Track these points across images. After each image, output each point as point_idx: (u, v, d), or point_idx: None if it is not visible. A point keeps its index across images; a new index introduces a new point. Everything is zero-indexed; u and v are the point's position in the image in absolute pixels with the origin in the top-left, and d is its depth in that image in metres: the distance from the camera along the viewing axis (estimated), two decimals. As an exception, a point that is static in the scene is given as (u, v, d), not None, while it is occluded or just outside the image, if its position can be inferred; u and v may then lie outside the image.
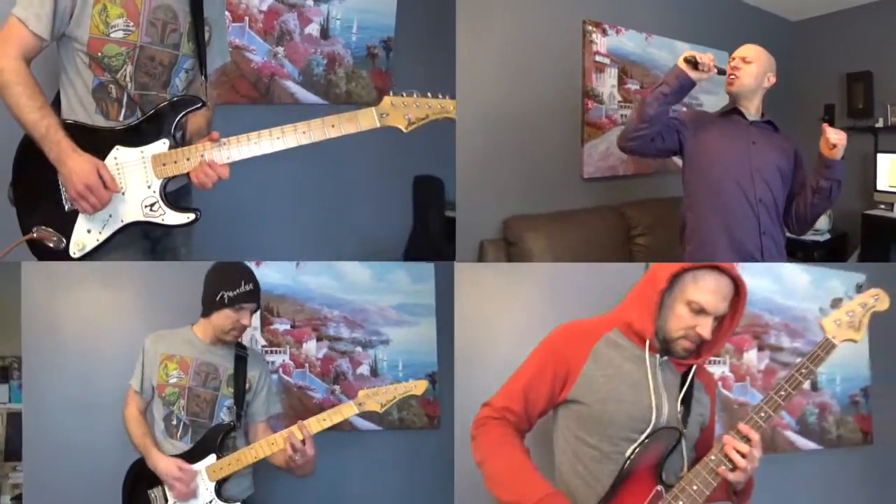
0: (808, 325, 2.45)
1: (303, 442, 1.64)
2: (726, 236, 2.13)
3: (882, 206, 3.89)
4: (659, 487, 1.25)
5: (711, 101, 3.36)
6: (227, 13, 2.57)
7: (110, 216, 1.57)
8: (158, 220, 1.59)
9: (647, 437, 1.26)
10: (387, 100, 1.61)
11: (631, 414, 1.28)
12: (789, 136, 2.26)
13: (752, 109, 2.21)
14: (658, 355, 1.33)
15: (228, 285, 1.76)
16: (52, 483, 2.18)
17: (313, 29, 2.81)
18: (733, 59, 2.20)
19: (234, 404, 1.81)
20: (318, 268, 2.50)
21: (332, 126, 1.58)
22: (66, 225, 1.56)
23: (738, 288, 1.31)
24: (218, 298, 1.76)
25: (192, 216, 1.61)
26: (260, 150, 1.58)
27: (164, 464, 1.74)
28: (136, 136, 1.57)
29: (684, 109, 3.43)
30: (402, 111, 1.61)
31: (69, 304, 2.26)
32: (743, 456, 1.18)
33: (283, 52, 2.77)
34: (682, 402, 1.33)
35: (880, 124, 3.99)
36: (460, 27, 2.67)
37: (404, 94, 1.62)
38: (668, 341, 1.32)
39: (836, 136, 1.97)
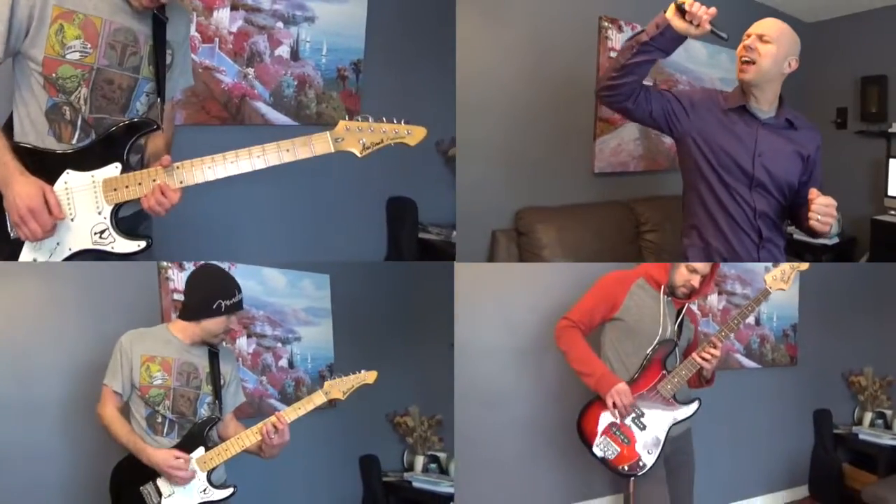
0: (754, 276, 3.15)
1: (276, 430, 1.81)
2: (724, 246, 2.02)
3: (892, 212, 3.86)
4: (663, 372, 2.04)
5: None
6: (197, 34, 2.58)
7: (58, 244, 1.52)
8: (108, 248, 1.54)
9: (657, 343, 2.03)
10: (342, 124, 1.60)
11: (650, 330, 2.03)
12: (808, 135, 2.01)
13: (765, 103, 1.93)
14: (666, 296, 2.06)
15: (225, 294, 1.82)
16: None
17: (283, 51, 2.83)
18: (748, 36, 1.88)
19: (213, 400, 1.87)
20: (248, 272, 2.69)
21: (287, 150, 1.56)
22: (11, 254, 1.51)
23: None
24: (215, 306, 1.80)
25: (142, 244, 1.57)
26: (214, 175, 1.55)
27: (160, 456, 1.75)
28: (87, 160, 1.53)
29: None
30: (357, 136, 1.60)
31: (2, 303, 2.12)
32: (710, 357, 2.00)
33: (254, 73, 2.76)
34: (678, 326, 2.09)
35: (894, 129, 3.97)
36: (474, 19, 2.69)
37: (359, 119, 1.60)
38: (673, 287, 2.06)
39: (818, 224, 1.76)
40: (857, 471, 3.21)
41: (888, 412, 3.36)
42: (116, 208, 1.54)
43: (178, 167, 1.54)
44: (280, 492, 2.64)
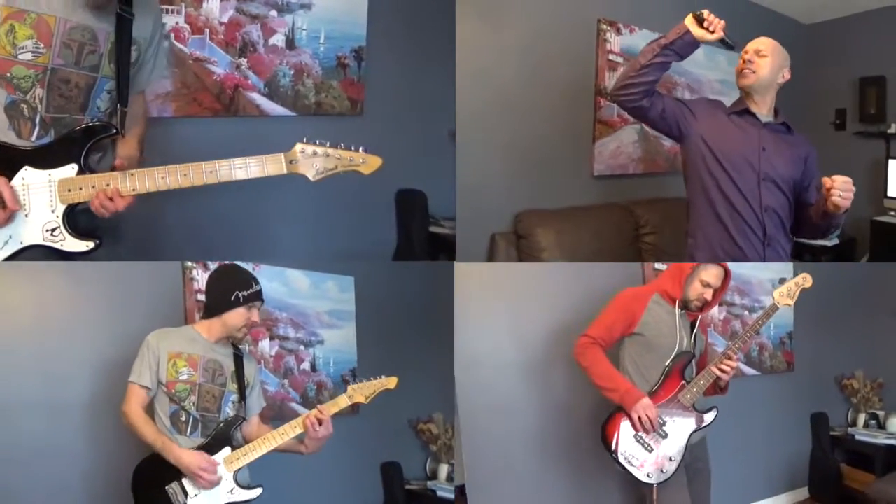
0: (751, 288, 3.21)
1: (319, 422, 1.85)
2: (730, 245, 2.09)
3: (892, 213, 3.87)
4: (683, 382, 2.10)
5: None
6: (186, 25, 2.54)
7: (10, 237, 1.55)
8: (58, 246, 1.58)
9: (676, 356, 2.08)
10: (298, 146, 1.63)
11: (668, 343, 2.09)
12: (803, 140, 2.18)
13: (765, 108, 2.12)
14: (680, 310, 2.12)
15: (241, 286, 1.86)
16: (15, 489, 2.05)
17: (278, 39, 2.77)
18: (746, 52, 2.09)
19: (238, 399, 1.89)
20: (271, 273, 2.67)
21: (240, 168, 1.60)
22: None
23: (726, 273, 2.12)
24: (233, 298, 1.84)
25: (90, 244, 1.59)
26: (166, 185, 1.58)
27: (189, 457, 1.75)
28: (45, 159, 1.56)
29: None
30: (311, 160, 1.63)
31: (29, 303, 2.14)
32: (729, 368, 2.08)
33: (247, 63, 2.72)
34: (693, 338, 2.14)
35: (892, 130, 3.97)
36: (473, 23, 2.70)
37: (317, 143, 1.64)
38: (687, 301, 2.12)
39: (840, 199, 1.86)
40: (855, 471, 3.30)
41: (881, 413, 3.44)
42: (70, 208, 1.57)
43: (131, 174, 1.57)
44: (300, 498, 2.58)
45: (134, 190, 1.57)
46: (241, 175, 1.60)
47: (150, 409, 1.83)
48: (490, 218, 2.87)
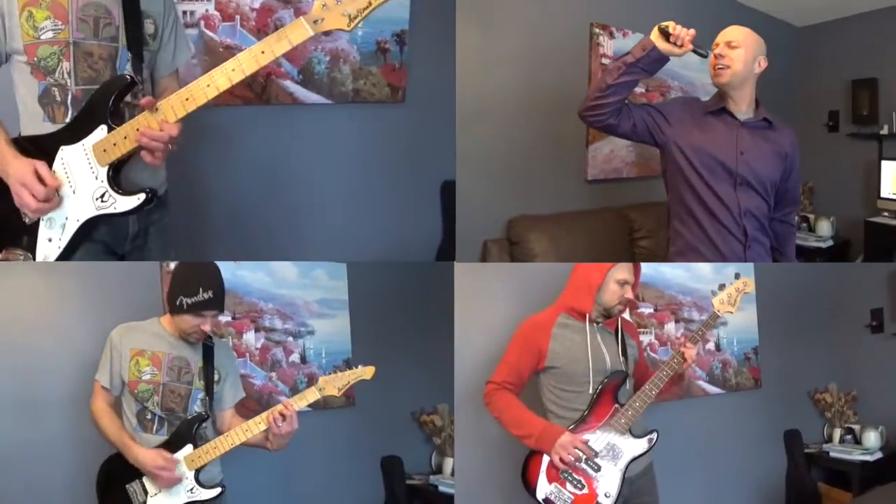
0: (709, 304, 2.98)
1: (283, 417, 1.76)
2: (710, 250, 2.03)
3: (886, 214, 3.87)
4: (616, 405, 1.87)
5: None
6: (216, 12, 2.51)
7: (66, 219, 1.57)
8: (111, 210, 1.56)
9: (604, 379, 1.86)
10: (318, 3, 1.47)
11: (587, 367, 1.87)
12: (786, 134, 2.08)
13: (744, 104, 2.01)
14: (595, 324, 1.91)
15: (187, 291, 1.75)
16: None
17: None
18: (717, 45, 1.97)
19: (206, 396, 1.83)
20: (254, 264, 2.61)
21: (262, 52, 1.49)
22: (31, 240, 1.58)
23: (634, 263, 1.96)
24: (178, 303, 1.75)
25: (142, 197, 1.56)
26: (195, 104, 1.53)
27: (145, 455, 1.73)
28: (76, 132, 1.57)
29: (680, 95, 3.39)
30: (338, 9, 1.47)
31: (5, 301, 2.13)
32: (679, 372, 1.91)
33: None
34: (622, 349, 1.92)
35: (885, 131, 3.98)
36: (467, 27, 2.68)
37: None
38: (608, 309, 1.90)
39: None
40: (832, 489, 3.13)
41: (856, 427, 3.26)
42: (110, 169, 1.55)
43: (157, 107, 1.53)
44: (296, 494, 2.56)
45: (174, 118, 1.52)
46: (265, 59, 1.49)
47: (118, 407, 1.82)
48: (482, 224, 2.85)
